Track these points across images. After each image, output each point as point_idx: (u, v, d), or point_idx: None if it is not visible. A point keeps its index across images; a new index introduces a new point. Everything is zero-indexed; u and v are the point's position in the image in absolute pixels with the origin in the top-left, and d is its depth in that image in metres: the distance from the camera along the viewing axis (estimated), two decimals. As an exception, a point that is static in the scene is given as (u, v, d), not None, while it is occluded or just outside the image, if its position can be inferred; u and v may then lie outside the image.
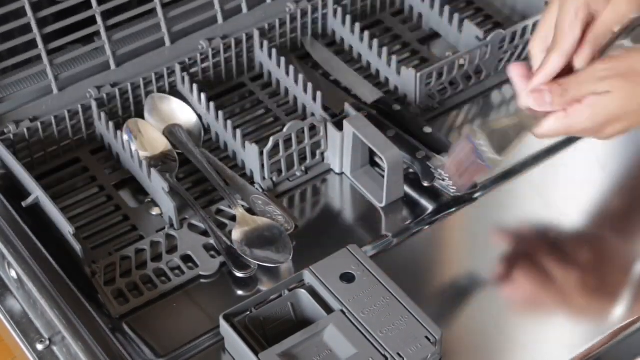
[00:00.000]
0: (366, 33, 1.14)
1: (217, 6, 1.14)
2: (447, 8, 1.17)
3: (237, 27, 1.14)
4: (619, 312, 0.96)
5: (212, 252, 1.02)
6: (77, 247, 0.97)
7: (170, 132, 1.07)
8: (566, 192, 1.07)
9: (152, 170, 1.01)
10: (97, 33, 1.09)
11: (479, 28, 1.15)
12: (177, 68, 1.10)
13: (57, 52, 1.10)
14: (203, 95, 1.08)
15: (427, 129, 1.09)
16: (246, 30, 1.13)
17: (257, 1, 1.16)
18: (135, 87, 1.09)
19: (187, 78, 1.09)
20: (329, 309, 0.92)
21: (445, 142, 1.08)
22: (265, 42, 1.12)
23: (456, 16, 1.16)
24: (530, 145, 1.11)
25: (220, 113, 1.06)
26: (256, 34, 1.13)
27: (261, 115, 1.07)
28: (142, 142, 1.06)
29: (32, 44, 1.06)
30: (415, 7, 1.19)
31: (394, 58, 1.11)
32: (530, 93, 0.90)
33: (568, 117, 0.89)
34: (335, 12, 1.16)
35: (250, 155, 1.05)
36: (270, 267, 0.99)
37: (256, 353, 0.88)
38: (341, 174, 1.09)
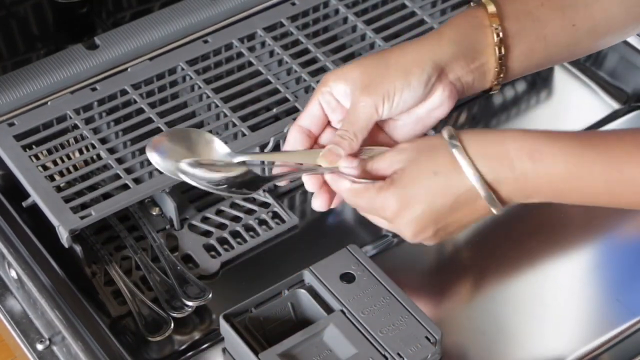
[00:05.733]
0: (368, 30, 1.14)
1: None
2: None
3: (239, 26, 1.14)
4: (619, 312, 0.96)
5: (213, 253, 1.02)
6: (77, 247, 0.97)
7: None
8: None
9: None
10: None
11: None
12: (179, 66, 1.10)
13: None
14: (203, 94, 1.08)
15: (430, 131, 1.08)
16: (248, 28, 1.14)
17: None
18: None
19: (188, 77, 1.09)
20: (329, 309, 0.92)
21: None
22: (267, 40, 1.12)
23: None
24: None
25: (220, 111, 1.06)
26: (258, 32, 1.13)
27: (261, 114, 1.07)
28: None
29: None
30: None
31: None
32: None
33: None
34: (337, 11, 1.16)
35: (250, 156, 1.05)
36: (271, 269, 1.00)
37: (256, 353, 0.88)
38: (342, 174, 1.09)
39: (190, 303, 0.95)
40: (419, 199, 0.84)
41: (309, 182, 0.91)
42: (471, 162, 0.83)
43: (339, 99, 0.91)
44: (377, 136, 0.92)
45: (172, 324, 0.94)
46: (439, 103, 0.90)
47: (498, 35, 0.90)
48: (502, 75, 0.92)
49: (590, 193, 0.83)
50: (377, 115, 0.90)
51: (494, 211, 0.85)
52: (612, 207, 0.86)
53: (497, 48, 0.90)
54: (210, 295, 0.95)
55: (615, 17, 0.92)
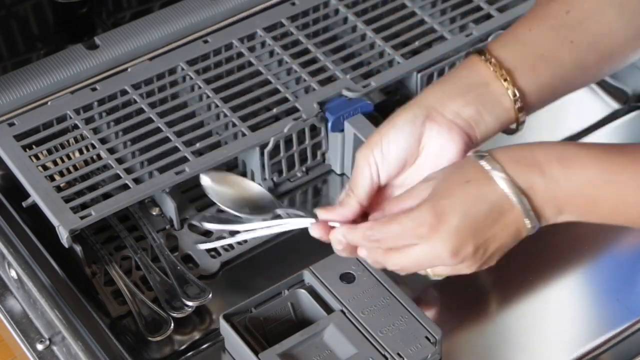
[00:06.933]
0: (368, 30, 1.14)
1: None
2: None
3: (239, 26, 1.14)
4: (619, 312, 0.96)
5: (213, 253, 1.02)
6: (77, 247, 0.97)
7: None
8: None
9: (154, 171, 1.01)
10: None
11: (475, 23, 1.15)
12: (179, 66, 1.10)
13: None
14: (204, 94, 1.08)
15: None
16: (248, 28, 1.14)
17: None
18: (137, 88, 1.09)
19: (188, 77, 1.09)
20: (329, 309, 0.92)
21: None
22: (268, 40, 1.12)
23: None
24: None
25: (220, 111, 1.06)
26: (258, 32, 1.13)
27: (261, 114, 1.07)
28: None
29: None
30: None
31: (397, 57, 1.11)
32: (332, 237, 0.87)
33: (384, 259, 0.86)
34: (337, 11, 1.16)
35: (251, 156, 1.05)
36: (271, 269, 1.00)
37: (256, 353, 0.88)
38: (342, 174, 1.09)
39: (190, 303, 0.95)
40: (455, 209, 0.81)
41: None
42: (501, 168, 0.81)
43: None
44: (387, 206, 0.88)
45: (172, 324, 0.94)
46: (441, 145, 0.87)
47: (489, 61, 0.88)
48: (520, 101, 0.88)
49: (621, 201, 0.81)
50: (370, 169, 0.87)
51: (528, 224, 0.82)
52: (631, 226, 0.84)
53: (496, 73, 0.88)
54: (210, 295, 0.95)
55: (616, 31, 0.90)
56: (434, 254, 0.82)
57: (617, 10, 0.90)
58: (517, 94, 0.88)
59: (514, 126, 0.90)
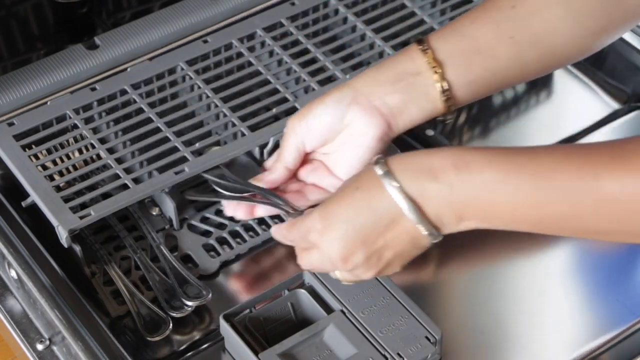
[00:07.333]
0: (368, 30, 1.14)
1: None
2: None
3: (239, 26, 1.14)
4: (619, 312, 0.96)
5: (212, 252, 1.02)
6: (77, 247, 0.97)
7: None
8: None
9: (154, 171, 1.01)
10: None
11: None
12: (179, 66, 1.10)
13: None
14: (203, 94, 1.08)
15: (429, 132, 1.09)
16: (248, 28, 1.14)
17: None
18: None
19: (187, 77, 1.09)
20: (329, 309, 0.92)
21: (446, 144, 1.07)
22: (267, 40, 1.12)
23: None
24: (530, 144, 1.11)
25: (220, 111, 1.06)
26: (258, 32, 1.13)
27: (260, 114, 1.07)
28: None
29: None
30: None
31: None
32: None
33: (300, 257, 0.89)
34: (336, 11, 1.16)
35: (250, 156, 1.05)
36: (271, 269, 1.00)
37: (256, 353, 0.88)
38: (342, 174, 1.09)
39: (189, 303, 0.95)
40: (341, 215, 0.82)
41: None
42: (392, 174, 0.80)
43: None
44: (325, 179, 0.96)
45: (171, 324, 0.94)
46: (360, 127, 0.91)
47: (425, 51, 0.90)
48: (448, 93, 0.90)
49: (519, 203, 0.77)
50: (296, 137, 0.94)
51: (424, 232, 0.80)
52: (537, 231, 0.80)
53: (428, 64, 0.90)
54: (210, 295, 0.95)
55: (561, 30, 0.90)
56: (326, 258, 0.84)
57: (564, 9, 0.90)
58: (446, 87, 0.90)
59: (443, 117, 0.94)
